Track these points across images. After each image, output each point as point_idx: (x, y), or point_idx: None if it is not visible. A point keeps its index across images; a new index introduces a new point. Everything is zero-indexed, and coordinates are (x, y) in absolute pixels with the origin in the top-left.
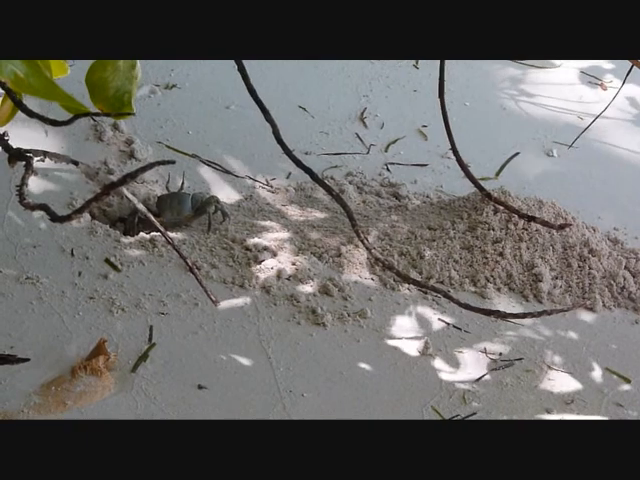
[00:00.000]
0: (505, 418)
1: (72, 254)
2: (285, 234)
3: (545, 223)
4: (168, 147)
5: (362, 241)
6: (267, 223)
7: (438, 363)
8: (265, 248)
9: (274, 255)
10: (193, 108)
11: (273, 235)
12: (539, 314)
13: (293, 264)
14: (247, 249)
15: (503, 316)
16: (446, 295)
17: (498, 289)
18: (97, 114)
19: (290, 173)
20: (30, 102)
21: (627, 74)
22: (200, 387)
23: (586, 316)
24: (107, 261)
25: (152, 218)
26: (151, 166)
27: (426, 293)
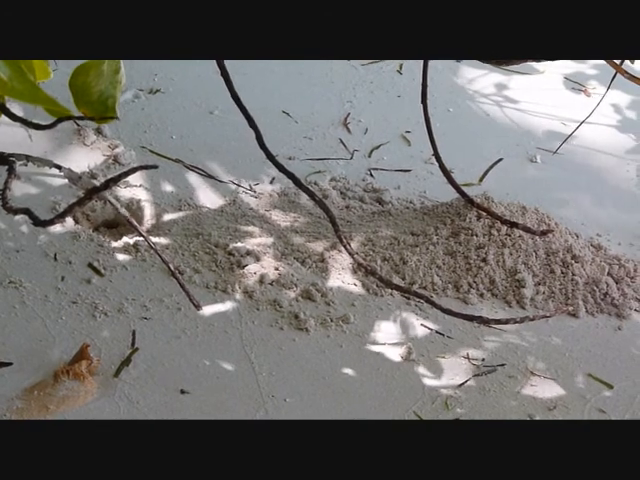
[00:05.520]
0: None
1: (55, 258)
2: (268, 239)
3: (527, 229)
4: (152, 152)
5: (345, 246)
6: (250, 228)
7: (421, 369)
8: (248, 253)
9: (257, 260)
10: (177, 113)
11: (256, 240)
12: (522, 320)
13: (276, 269)
14: (230, 254)
15: (486, 322)
16: (428, 300)
17: (481, 295)
18: (80, 118)
19: (274, 178)
20: (14, 105)
21: (611, 80)
22: (183, 392)
23: (569, 322)
24: (90, 266)
25: (134, 223)
26: (133, 171)
27: (409, 299)
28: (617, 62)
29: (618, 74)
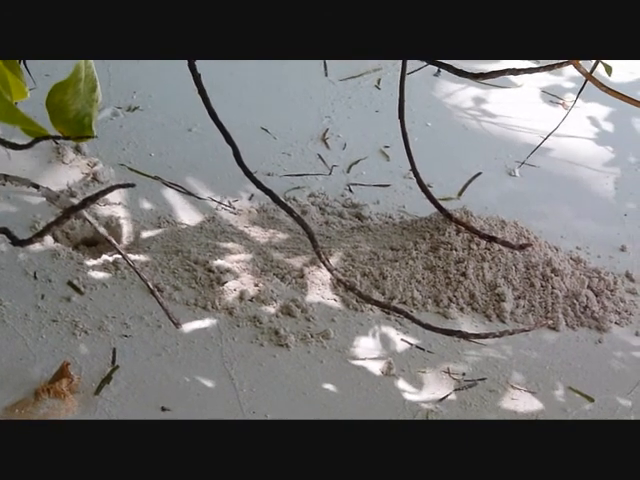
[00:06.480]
0: None
1: (35, 277)
2: (248, 255)
3: (505, 243)
4: (130, 169)
5: (323, 262)
6: (230, 245)
7: (401, 383)
8: (228, 270)
9: (237, 277)
10: (155, 130)
11: (236, 257)
12: (501, 334)
13: (256, 285)
14: (210, 271)
15: (466, 336)
16: (408, 316)
17: (461, 309)
18: (58, 137)
19: (252, 195)
20: None
21: (581, 89)
22: (163, 409)
23: (549, 335)
24: (70, 284)
25: (113, 241)
26: (111, 189)
27: (389, 313)
28: (587, 70)
29: (596, 87)
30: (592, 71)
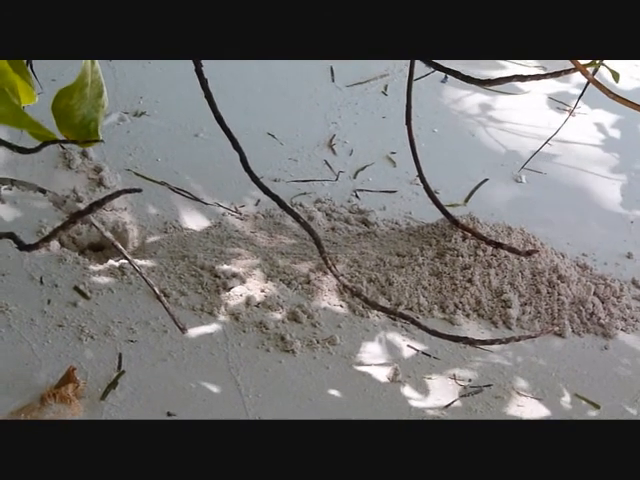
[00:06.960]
0: None
1: (41, 282)
2: (254, 261)
3: (512, 250)
4: (137, 174)
5: (330, 268)
6: (236, 250)
7: (407, 390)
8: (234, 275)
9: (243, 282)
10: (162, 135)
11: (242, 262)
12: (507, 340)
13: (262, 291)
14: (216, 276)
15: (472, 342)
16: (414, 322)
17: (467, 315)
18: (65, 141)
19: (259, 200)
20: None
21: (582, 92)
22: (169, 414)
23: (555, 342)
24: (76, 289)
25: (119, 246)
26: (118, 194)
27: (395, 319)
28: (594, 77)
29: (603, 93)
30: (594, 73)
